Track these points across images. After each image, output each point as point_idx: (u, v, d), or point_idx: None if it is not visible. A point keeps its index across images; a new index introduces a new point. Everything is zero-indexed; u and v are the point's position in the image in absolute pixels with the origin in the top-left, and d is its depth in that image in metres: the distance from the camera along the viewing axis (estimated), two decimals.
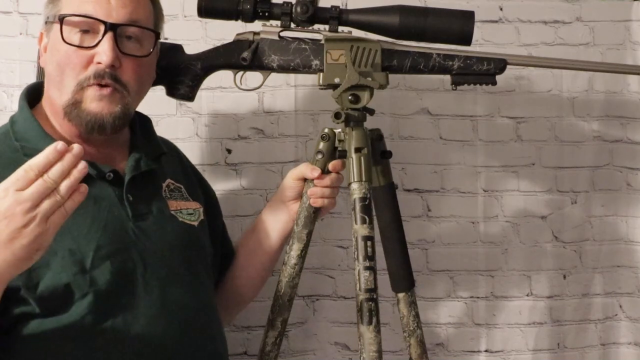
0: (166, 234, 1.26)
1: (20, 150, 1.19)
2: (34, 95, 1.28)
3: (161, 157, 1.35)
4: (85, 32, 1.20)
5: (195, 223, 1.34)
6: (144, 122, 1.37)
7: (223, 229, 1.51)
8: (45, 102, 1.26)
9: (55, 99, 1.22)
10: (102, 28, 1.19)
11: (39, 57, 1.28)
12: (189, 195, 1.37)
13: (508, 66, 1.36)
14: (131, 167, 1.26)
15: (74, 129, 1.22)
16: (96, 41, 1.19)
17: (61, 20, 1.19)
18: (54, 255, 1.13)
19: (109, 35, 1.19)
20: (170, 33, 1.67)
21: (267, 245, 1.43)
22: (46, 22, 1.24)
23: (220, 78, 1.54)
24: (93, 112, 1.20)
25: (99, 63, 1.19)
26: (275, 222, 1.42)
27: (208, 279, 1.36)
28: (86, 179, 1.19)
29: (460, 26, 1.31)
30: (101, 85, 1.19)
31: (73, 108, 1.20)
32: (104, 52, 1.18)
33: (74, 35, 1.19)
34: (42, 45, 1.26)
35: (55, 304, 1.13)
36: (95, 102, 1.20)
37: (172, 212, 1.30)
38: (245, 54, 1.34)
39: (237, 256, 1.48)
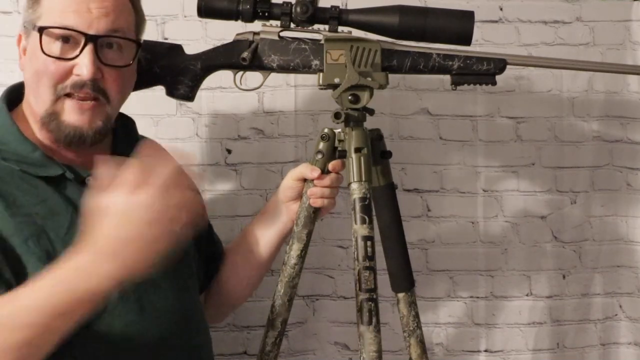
0: None
1: None
2: (14, 95, 1.26)
3: None
4: (65, 41, 1.17)
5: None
6: (127, 124, 1.35)
7: (209, 230, 1.49)
8: (25, 105, 1.25)
9: (32, 105, 1.21)
10: (82, 40, 1.16)
11: (20, 58, 1.24)
12: None
13: (508, 66, 1.36)
14: None
15: (52, 136, 1.21)
16: (76, 52, 1.16)
17: (41, 31, 1.16)
18: (31, 255, 1.12)
19: (90, 47, 1.16)
20: (170, 33, 1.67)
21: (266, 246, 1.42)
22: (25, 26, 1.22)
23: (220, 78, 1.54)
24: (73, 125, 1.18)
25: (78, 75, 1.16)
26: (274, 223, 1.41)
27: (192, 285, 1.34)
28: (64, 183, 1.19)
29: (460, 26, 1.31)
30: (81, 98, 1.17)
31: (52, 119, 1.18)
32: (84, 65, 1.15)
33: (53, 45, 1.17)
34: (21, 47, 1.23)
35: None
36: (76, 115, 1.18)
37: None
38: (245, 54, 1.34)
39: (233, 257, 1.47)
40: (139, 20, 1.27)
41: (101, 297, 0.98)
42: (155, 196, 0.96)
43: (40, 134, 1.22)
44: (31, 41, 1.20)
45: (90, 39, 1.16)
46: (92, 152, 1.25)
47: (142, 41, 1.29)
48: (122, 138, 1.32)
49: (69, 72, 1.17)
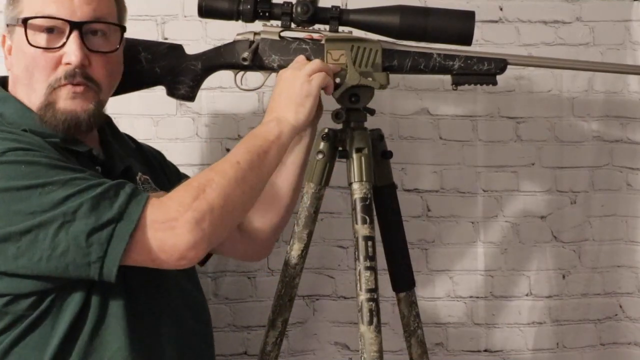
0: None
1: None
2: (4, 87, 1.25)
3: (130, 152, 1.34)
4: (50, 32, 1.17)
5: None
6: (110, 122, 1.35)
7: None
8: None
9: (25, 100, 1.20)
10: (67, 28, 1.17)
11: (6, 59, 1.23)
12: (156, 186, 1.34)
13: (508, 66, 1.36)
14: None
15: (49, 125, 1.19)
16: (62, 41, 1.17)
17: (25, 22, 1.16)
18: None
19: (75, 34, 1.17)
20: (170, 33, 1.67)
21: (285, 175, 1.41)
22: (8, 25, 1.21)
23: (220, 78, 1.54)
24: (68, 111, 1.18)
25: (68, 64, 1.17)
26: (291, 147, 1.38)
27: (191, 269, 1.32)
28: (90, 161, 1.19)
29: (460, 26, 1.31)
30: (74, 84, 1.18)
31: (47, 109, 1.17)
32: (72, 52, 1.16)
33: (39, 37, 1.17)
34: (5, 47, 1.23)
35: None
36: (69, 101, 1.18)
37: None
38: (246, 54, 1.33)
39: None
40: (120, 8, 1.27)
41: (281, 140, 1.22)
42: (302, 68, 1.27)
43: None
44: (16, 37, 1.20)
45: (74, 25, 1.17)
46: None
47: (125, 26, 1.28)
48: (109, 132, 1.31)
49: (58, 62, 1.18)
